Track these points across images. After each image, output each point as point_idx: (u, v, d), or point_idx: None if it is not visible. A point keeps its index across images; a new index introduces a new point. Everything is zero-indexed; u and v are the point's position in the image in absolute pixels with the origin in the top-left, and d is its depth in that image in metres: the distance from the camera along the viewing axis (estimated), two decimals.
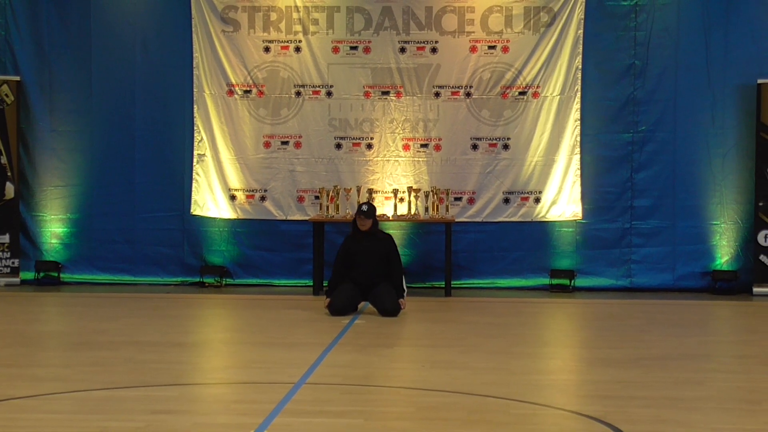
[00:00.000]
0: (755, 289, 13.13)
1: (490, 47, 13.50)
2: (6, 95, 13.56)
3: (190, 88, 13.67)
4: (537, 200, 13.52)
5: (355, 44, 13.61)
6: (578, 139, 13.46)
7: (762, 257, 13.16)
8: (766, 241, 13.15)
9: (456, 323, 11.03)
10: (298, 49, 13.61)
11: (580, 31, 13.41)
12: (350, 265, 11.32)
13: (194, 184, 13.70)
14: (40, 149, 13.81)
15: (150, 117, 13.75)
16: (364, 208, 11.46)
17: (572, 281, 13.43)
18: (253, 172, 13.68)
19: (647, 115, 13.45)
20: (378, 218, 11.73)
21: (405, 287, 11.42)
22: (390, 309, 11.12)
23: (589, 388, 7.85)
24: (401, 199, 13.36)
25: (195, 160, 13.69)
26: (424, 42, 13.56)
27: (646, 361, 8.67)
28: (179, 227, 13.79)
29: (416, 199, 13.23)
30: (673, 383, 7.80)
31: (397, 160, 13.63)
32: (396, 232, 13.40)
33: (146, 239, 13.77)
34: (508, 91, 13.50)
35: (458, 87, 13.53)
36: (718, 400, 7.38)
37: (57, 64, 13.71)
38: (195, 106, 13.66)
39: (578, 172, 13.47)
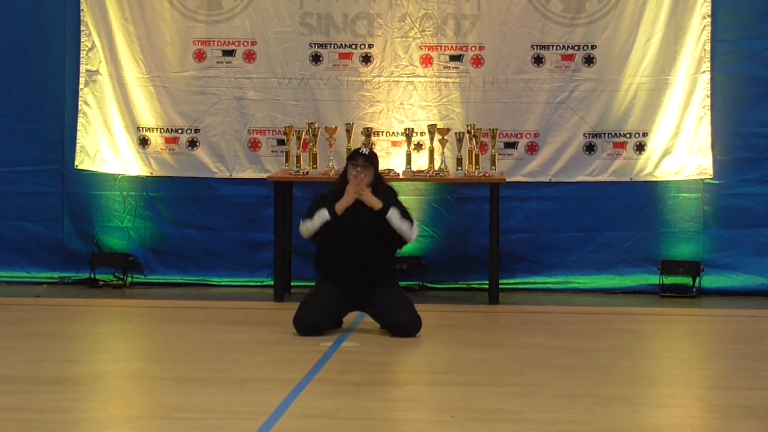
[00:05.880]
0: None
1: None
2: None
3: None
4: (640, 148, 13.52)
5: None
6: (707, 47, 13.45)
7: None
8: None
9: (506, 347, 11.07)
10: None
11: None
12: (331, 246, 11.29)
13: (80, 120, 13.71)
14: None
15: (9, 12, 13.74)
16: (364, 150, 11.37)
17: (697, 280, 13.46)
18: (178, 101, 13.69)
19: None
20: (382, 174, 11.72)
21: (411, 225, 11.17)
22: (406, 324, 11.13)
23: None
24: (418, 146, 13.37)
25: (82, 81, 13.69)
26: None
27: None
28: (56, 190, 13.83)
29: (443, 146, 13.24)
30: None
31: (412, 82, 13.63)
32: (410, 198, 13.38)
33: (1, 209, 13.80)
34: None
35: None
36: None
37: None
38: None
39: (708, 102, 13.47)
